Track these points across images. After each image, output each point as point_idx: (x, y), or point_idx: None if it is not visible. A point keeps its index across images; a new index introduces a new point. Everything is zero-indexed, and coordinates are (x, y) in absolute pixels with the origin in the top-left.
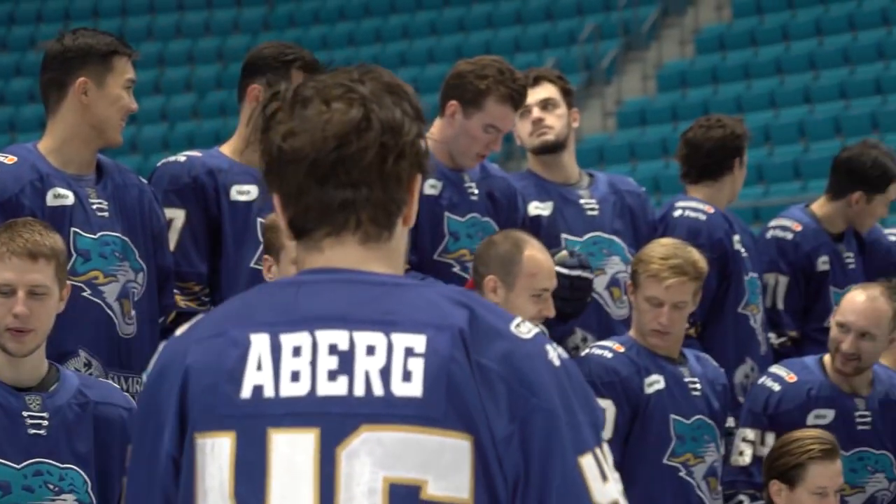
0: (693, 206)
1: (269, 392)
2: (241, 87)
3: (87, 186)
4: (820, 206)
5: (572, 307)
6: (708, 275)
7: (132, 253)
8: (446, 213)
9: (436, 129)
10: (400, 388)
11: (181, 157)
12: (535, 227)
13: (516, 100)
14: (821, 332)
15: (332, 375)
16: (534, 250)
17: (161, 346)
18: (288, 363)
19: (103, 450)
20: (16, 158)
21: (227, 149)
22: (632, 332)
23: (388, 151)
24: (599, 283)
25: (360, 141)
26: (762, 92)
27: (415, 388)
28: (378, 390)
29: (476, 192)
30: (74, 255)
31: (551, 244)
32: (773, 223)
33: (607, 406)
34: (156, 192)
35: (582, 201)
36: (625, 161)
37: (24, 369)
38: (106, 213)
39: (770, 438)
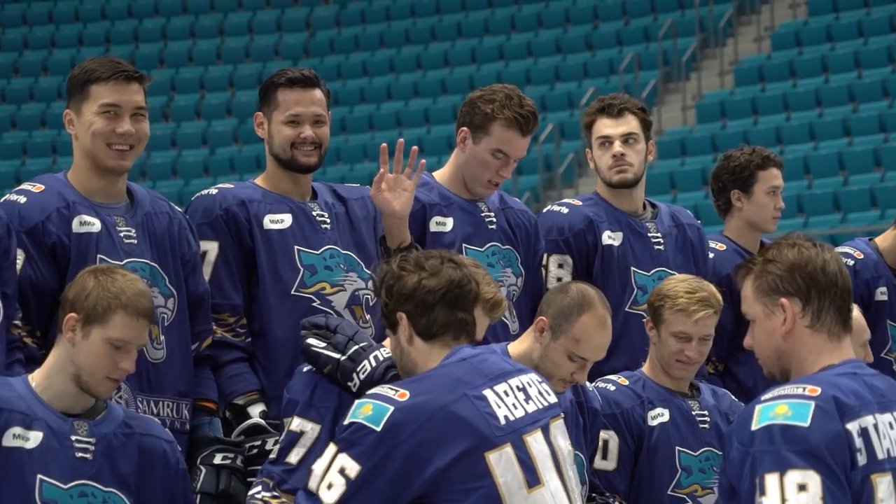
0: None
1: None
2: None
3: (115, 214)
4: (883, 239)
5: None
6: (725, 315)
7: (161, 279)
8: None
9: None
10: None
11: (213, 190)
12: (608, 256)
13: (522, 124)
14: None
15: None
16: (592, 319)
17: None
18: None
19: (144, 477)
20: (43, 187)
21: (260, 180)
22: (645, 368)
23: None
24: None
25: None
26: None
27: None
28: None
29: (494, 220)
30: None
31: (622, 276)
32: (837, 250)
33: (610, 437)
34: (190, 222)
35: (650, 234)
36: (665, 190)
37: (77, 398)
38: (134, 241)
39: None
